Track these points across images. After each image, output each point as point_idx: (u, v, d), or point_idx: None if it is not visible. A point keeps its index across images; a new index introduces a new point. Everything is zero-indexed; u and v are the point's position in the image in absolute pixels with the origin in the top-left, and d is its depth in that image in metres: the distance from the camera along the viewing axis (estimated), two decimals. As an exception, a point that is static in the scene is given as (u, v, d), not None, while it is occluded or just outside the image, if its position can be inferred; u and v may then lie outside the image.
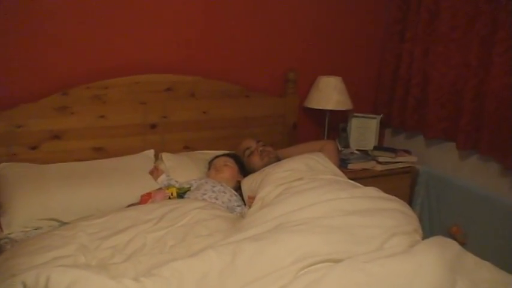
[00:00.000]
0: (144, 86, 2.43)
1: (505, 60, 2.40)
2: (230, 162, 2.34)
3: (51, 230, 1.82)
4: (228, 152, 2.49)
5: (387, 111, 3.10)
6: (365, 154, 2.91)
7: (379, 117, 3.05)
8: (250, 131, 2.72)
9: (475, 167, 2.68)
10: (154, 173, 2.28)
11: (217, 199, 2.09)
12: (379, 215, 1.70)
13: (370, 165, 2.80)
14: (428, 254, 1.46)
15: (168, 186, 2.17)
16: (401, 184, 2.84)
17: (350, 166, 2.74)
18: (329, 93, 2.78)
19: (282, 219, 1.69)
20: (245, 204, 2.13)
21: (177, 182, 2.25)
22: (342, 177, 2.12)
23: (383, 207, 1.76)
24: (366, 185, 2.01)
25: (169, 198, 2.07)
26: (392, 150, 2.88)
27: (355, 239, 1.56)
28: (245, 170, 2.37)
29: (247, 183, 2.18)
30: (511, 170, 2.45)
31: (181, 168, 2.35)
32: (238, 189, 2.27)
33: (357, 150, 2.98)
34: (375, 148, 2.92)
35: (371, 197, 1.85)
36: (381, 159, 2.82)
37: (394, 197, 1.88)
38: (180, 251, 1.62)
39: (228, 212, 1.98)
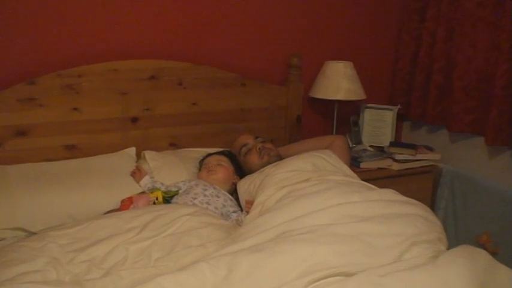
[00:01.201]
0: (124, 73, 2.43)
1: (541, 42, 2.40)
2: (224, 161, 2.34)
3: (16, 242, 1.81)
4: (221, 149, 2.48)
5: (405, 101, 3.11)
6: (380, 151, 2.91)
7: (395, 108, 3.05)
8: (247, 125, 2.72)
9: (506, 166, 2.68)
10: (136, 174, 2.28)
11: (209, 204, 2.09)
12: (397, 221, 1.69)
13: (386, 163, 2.80)
14: (455, 267, 1.45)
15: (153, 190, 2.16)
16: (422, 185, 2.85)
17: (363, 165, 2.74)
18: (338, 81, 2.78)
19: (285, 227, 1.69)
20: (242, 210, 2.13)
21: (162, 184, 2.25)
22: (353, 178, 2.12)
23: (401, 213, 1.76)
24: (381, 186, 2.00)
25: (154, 203, 2.07)
26: (412, 147, 2.88)
27: (370, 250, 1.56)
28: (242, 170, 2.37)
29: (245, 186, 2.18)
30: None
31: (167, 169, 2.35)
32: (233, 192, 2.27)
33: (371, 146, 2.98)
34: (392, 144, 2.93)
35: (387, 200, 1.85)
36: (398, 156, 2.82)
37: (414, 201, 1.88)
38: (167, 265, 1.62)
39: (222, 219, 1.97)
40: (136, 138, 2.49)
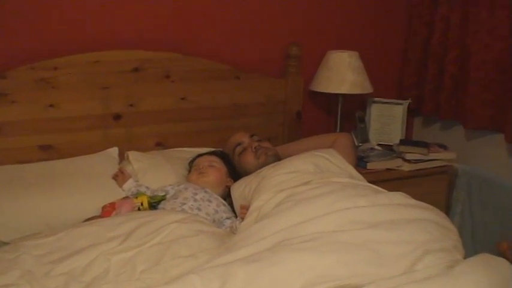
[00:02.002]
0: (105, 65, 2.42)
1: None
2: (216, 162, 2.34)
3: (-14, 253, 1.80)
4: (213, 149, 2.48)
5: (416, 95, 3.11)
6: (389, 150, 2.91)
7: (406, 102, 3.06)
8: (241, 122, 2.72)
9: (529, 165, 2.69)
10: (119, 177, 2.27)
11: (200, 210, 2.09)
12: (408, 227, 1.70)
13: (395, 164, 2.80)
14: (473, 277, 1.45)
15: (137, 195, 2.16)
16: (436, 188, 2.85)
17: (370, 166, 2.74)
18: (342, 73, 2.78)
19: (285, 234, 1.69)
20: (236, 216, 2.13)
21: (148, 188, 2.25)
22: (359, 180, 2.12)
23: (413, 218, 1.76)
24: (390, 189, 2.00)
25: (139, 209, 2.07)
26: (424, 145, 2.88)
27: (379, 259, 1.56)
28: (236, 172, 2.37)
29: (239, 189, 2.18)
30: None
31: (153, 171, 2.35)
32: (227, 196, 2.26)
33: (379, 145, 2.98)
34: (402, 142, 2.93)
35: (397, 204, 1.85)
36: (409, 156, 2.82)
37: (427, 205, 1.88)
38: (154, 277, 1.61)
39: (214, 227, 1.97)
40: (119, 137, 2.49)
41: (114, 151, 2.44)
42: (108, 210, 2.05)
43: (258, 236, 1.72)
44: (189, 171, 2.36)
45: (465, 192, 2.90)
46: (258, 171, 2.22)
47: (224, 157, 2.39)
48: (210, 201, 2.15)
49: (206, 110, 2.65)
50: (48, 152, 2.37)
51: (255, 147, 2.36)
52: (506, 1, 2.64)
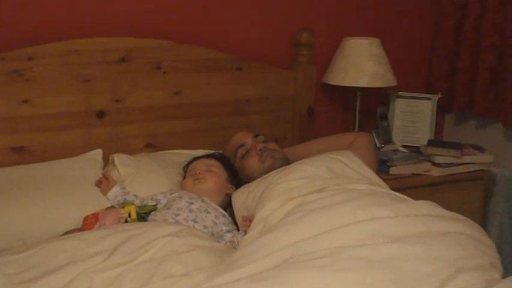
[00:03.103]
0: (87, 55, 2.43)
1: None
2: (215, 166, 2.34)
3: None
4: (212, 152, 2.48)
5: (447, 88, 3.10)
6: (415, 152, 2.91)
7: (435, 97, 3.06)
8: (244, 120, 2.73)
9: None
10: (103, 184, 2.28)
11: (196, 222, 2.09)
12: (438, 242, 1.69)
13: (423, 168, 2.80)
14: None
15: (124, 204, 2.16)
16: (470, 196, 2.85)
17: (393, 170, 2.74)
18: (361, 63, 2.78)
19: (294, 250, 1.69)
20: (238, 229, 2.13)
21: (136, 197, 2.25)
22: (381, 187, 2.12)
23: (443, 231, 1.76)
24: (417, 197, 2.00)
25: (126, 221, 2.07)
26: (456, 146, 2.88)
27: (403, 278, 1.55)
28: (238, 178, 2.37)
29: (241, 198, 2.18)
30: None
31: (142, 177, 2.35)
32: (227, 206, 2.27)
33: (404, 146, 2.98)
34: (430, 143, 2.92)
35: (425, 215, 1.85)
36: (439, 159, 2.82)
37: (459, 216, 1.88)
38: (143, 300, 1.61)
39: (213, 241, 1.97)
40: (103, 137, 2.50)
41: (97, 154, 2.45)
42: (90, 222, 2.05)
43: (263, 251, 1.71)
44: (184, 177, 2.36)
45: (504, 201, 2.89)
46: (264, 176, 2.22)
47: (224, 161, 2.39)
48: (207, 211, 2.15)
49: (203, 106, 2.65)
50: (21, 154, 2.38)
51: (259, 149, 2.36)
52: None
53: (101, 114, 2.49)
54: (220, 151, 2.49)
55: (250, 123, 2.71)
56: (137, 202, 2.21)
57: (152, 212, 2.14)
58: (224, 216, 2.19)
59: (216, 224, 2.13)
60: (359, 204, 1.86)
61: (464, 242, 1.72)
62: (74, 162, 2.38)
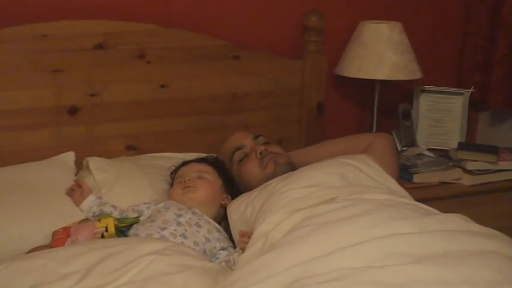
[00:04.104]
0: (57, 41, 2.43)
1: None
2: (208, 172, 2.34)
3: None
4: (204, 155, 2.49)
5: (481, 81, 3.11)
6: (444, 157, 2.92)
7: (467, 92, 3.06)
8: (242, 118, 2.73)
9: None
10: (76, 192, 2.28)
11: (186, 237, 2.09)
12: (469, 262, 1.69)
13: (452, 176, 2.80)
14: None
15: (100, 216, 2.16)
16: (508, 209, 2.84)
17: (417, 178, 2.74)
18: (380, 52, 2.79)
19: (300, 271, 1.68)
20: (235, 246, 2.13)
21: (115, 208, 2.26)
22: (402, 198, 2.12)
23: (475, 250, 1.76)
24: (445, 210, 2.00)
25: (103, 236, 2.07)
26: (492, 150, 2.89)
27: (428, 305, 1.56)
28: (234, 186, 2.38)
29: (239, 210, 2.18)
30: None
31: (122, 184, 2.36)
32: (223, 219, 2.27)
33: (429, 150, 2.98)
34: (461, 146, 2.93)
35: (454, 231, 1.84)
36: (471, 165, 2.83)
37: (494, 232, 1.88)
38: (123, 329, 1.62)
39: (205, 260, 1.97)
40: (76, 138, 2.50)
41: (69, 157, 2.45)
42: (60, 238, 2.04)
43: (263, 273, 1.71)
44: (171, 184, 2.36)
45: (548, 215, 2.89)
46: (265, 184, 2.22)
47: (218, 166, 2.39)
48: (199, 225, 2.15)
49: (194, 102, 2.66)
50: (-20, 157, 2.38)
51: (260, 153, 2.36)
52: None
53: (73, 111, 2.49)
54: (214, 155, 2.49)
55: (249, 122, 2.72)
56: (116, 214, 2.21)
57: (134, 226, 2.14)
58: (218, 231, 2.19)
59: (208, 240, 2.12)
60: (376, 217, 1.86)
61: (500, 263, 1.71)
62: (41, 166, 2.38)
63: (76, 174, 2.41)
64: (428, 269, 1.65)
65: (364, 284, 1.60)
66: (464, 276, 1.64)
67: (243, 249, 1.98)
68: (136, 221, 2.17)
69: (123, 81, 2.55)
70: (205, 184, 2.30)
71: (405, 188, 2.25)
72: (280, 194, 2.09)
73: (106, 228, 2.07)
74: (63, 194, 2.28)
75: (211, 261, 2.02)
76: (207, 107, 2.68)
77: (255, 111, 2.76)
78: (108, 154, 2.50)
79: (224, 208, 2.27)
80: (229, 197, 2.32)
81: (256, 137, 2.45)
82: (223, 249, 2.13)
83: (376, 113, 2.94)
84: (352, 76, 2.83)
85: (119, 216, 2.19)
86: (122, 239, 2.03)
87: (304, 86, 2.83)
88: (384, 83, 2.88)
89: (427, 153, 2.94)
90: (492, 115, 3.24)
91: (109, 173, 2.38)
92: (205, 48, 2.65)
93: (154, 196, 2.34)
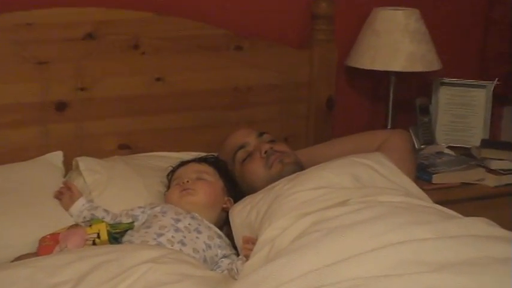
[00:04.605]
0: (43, 30, 2.44)
1: None
2: (208, 173, 2.35)
3: None
4: (204, 155, 2.49)
5: (507, 73, 3.10)
6: (465, 156, 2.92)
7: (491, 84, 3.06)
8: (245, 114, 2.74)
9: None
10: (65, 195, 2.28)
11: (184, 244, 2.09)
12: (493, 271, 1.68)
13: (475, 176, 2.80)
14: None
15: (92, 222, 2.17)
16: (535, 212, 2.85)
17: (437, 178, 2.74)
18: (395, 41, 2.79)
19: (310, 281, 1.68)
20: (238, 253, 2.14)
21: (107, 212, 2.26)
22: (421, 200, 2.12)
23: (500, 256, 1.75)
24: (467, 213, 2.00)
25: (94, 243, 2.07)
26: (518, 148, 2.89)
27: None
28: (237, 188, 2.38)
29: (242, 214, 2.18)
30: None
31: (115, 187, 2.36)
32: (224, 224, 2.28)
33: (450, 148, 2.98)
34: (485, 144, 2.93)
35: (477, 236, 1.84)
36: (495, 164, 2.83)
37: (522, 237, 1.88)
38: None
39: (205, 269, 1.98)
40: (65, 136, 2.51)
41: (57, 157, 2.45)
42: (48, 245, 2.05)
43: (270, 283, 1.71)
44: (168, 187, 2.37)
45: None
46: (270, 186, 2.23)
47: (220, 166, 2.40)
48: (199, 231, 2.15)
49: (193, 97, 2.66)
50: (-40, 158, 2.38)
51: (265, 152, 2.36)
52: None
53: (61, 107, 2.49)
54: (215, 154, 2.50)
55: (253, 118, 2.72)
56: (108, 219, 2.21)
57: (128, 232, 2.15)
58: (220, 237, 2.19)
59: (209, 247, 2.13)
60: (392, 221, 1.86)
61: (528, 271, 1.72)
62: (26, 167, 2.38)
63: (65, 176, 2.42)
64: (449, 278, 1.65)
65: (382, 295, 1.61)
66: (487, 286, 1.63)
67: (246, 257, 1.98)
68: (130, 226, 2.17)
69: (115, 74, 2.55)
70: (206, 186, 2.30)
71: (423, 190, 2.25)
72: (287, 196, 2.09)
73: (98, 234, 2.08)
74: (50, 198, 2.28)
75: (212, 270, 2.02)
76: (206, 102, 2.69)
77: (259, 107, 2.77)
78: (99, 153, 2.50)
79: (226, 212, 2.28)
80: (232, 200, 2.32)
81: (261, 134, 2.45)
82: (225, 256, 2.13)
83: (391, 108, 2.94)
84: (364, 68, 2.83)
85: (111, 222, 2.20)
86: (115, 246, 2.03)
87: (312, 79, 2.84)
88: (400, 75, 2.88)
89: (447, 151, 2.94)
90: (518, 110, 3.24)
91: (100, 174, 2.38)
92: (204, 38, 2.65)
93: (150, 199, 2.34)
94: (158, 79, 2.62)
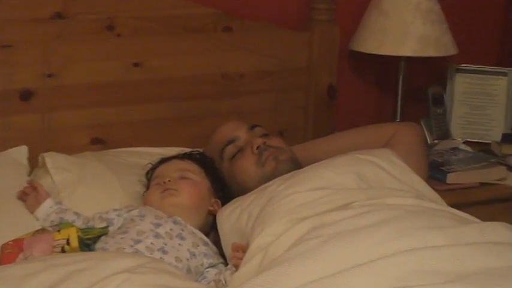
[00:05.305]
0: (5, 9, 2.43)
1: None
2: (193, 171, 2.35)
3: None
4: (188, 150, 2.50)
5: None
6: (484, 152, 2.92)
7: (512, 72, 3.08)
8: (235, 104, 2.75)
9: None
10: (30, 196, 2.28)
11: (165, 252, 2.09)
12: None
13: (495, 175, 2.81)
14: None
15: (60, 226, 2.16)
16: None
17: (452, 178, 2.75)
18: (405, 22, 2.80)
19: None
20: (226, 263, 2.14)
21: (78, 215, 2.26)
22: (434, 202, 2.13)
23: (524, 266, 1.77)
24: (486, 218, 2.01)
25: (63, 250, 2.07)
26: (543, 145, 2.90)
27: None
28: (225, 188, 2.39)
29: (231, 217, 2.18)
30: None
31: (86, 187, 2.36)
32: (211, 230, 2.29)
33: (466, 143, 2.99)
34: (506, 139, 2.94)
35: (497, 243, 1.85)
36: (517, 162, 2.84)
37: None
38: None
39: (189, 280, 1.97)
40: (30, 128, 2.51)
41: (20, 152, 2.46)
42: (10, 253, 2.04)
43: (263, 296, 1.73)
44: (147, 186, 2.37)
45: None
46: (263, 186, 2.23)
47: (206, 163, 2.40)
48: (182, 237, 2.15)
49: (175, 84, 2.67)
50: None
51: (257, 147, 2.37)
52: None
53: (26, 95, 2.50)
54: (201, 150, 2.50)
55: (243, 108, 2.73)
56: (79, 223, 2.21)
57: (101, 238, 2.15)
58: (206, 244, 2.19)
59: (194, 255, 2.13)
60: (401, 226, 1.86)
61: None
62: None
63: (29, 174, 2.42)
64: (467, 290, 1.67)
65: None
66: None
67: (236, 267, 1.98)
68: (104, 232, 2.17)
69: (87, 59, 2.55)
70: (190, 186, 2.30)
71: (436, 191, 2.26)
72: (282, 198, 2.09)
73: (67, 240, 2.07)
74: (13, 199, 2.28)
75: (197, 281, 2.02)
76: (191, 90, 2.69)
77: (250, 96, 2.77)
78: (69, 149, 2.50)
79: (213, 216, 2.28)
80: (219, 202, 2.32)
81: (253, 127, 2.46)
82: (211, 266, 2.13)
83: (400, 97, 2.95)
84: (370, 52, 2.84)
85: (83, 226, 2.19)
86: (87, 254, 2.02)
87: (311, 65, 2.85)
88: (410, 60, 2.89)
89: (463, 147, 2.94)
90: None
91: (70, 172, 2.38)
92: (189, 18, 2.66)
93: (127, 201, 2.34)
94: (136, 64, 2.62)
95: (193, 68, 2.69)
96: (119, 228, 2.18)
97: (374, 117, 2.97)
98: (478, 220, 1.99)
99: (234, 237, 2.14)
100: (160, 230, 2.14)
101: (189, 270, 2.09)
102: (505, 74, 3.06)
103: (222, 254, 2.18)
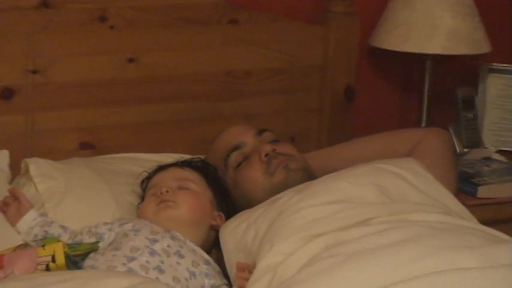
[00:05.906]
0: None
1: None
2: (193, 181, 2.35)
3: None
4: (188, 157, 2.50)
5: None
6: (520, 163, 2.93)
7: (553, 72, 3.07)
8: (240, 106, 2.76)
9: None
10: (11, 207, 2.29)
11: (162, 271, 2.09)
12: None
13: (531, 189, 2.81)
14: None
15: (45, 241, 2.16)
16: None
17: (483, 192, 2.75)
18: (433, 16, 2.80)
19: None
20: (230, 284, 2.14)
21: (64, 229, 2.26)
22: (463, 219, 2.13)
23: None
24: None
25: (48, 268, 2.07)
26: None
27: None
28: (229, 200, 2.39)
29: (236, 233, 2.18)
30: None
31: (74, 197, 2.37)
32: (213, 246, 2.29)
33: (500, 152, 2.99)
34: (544, 149, 2.95)
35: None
36: (557, 175, 2.84)
37: None
38: None
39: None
40: (12, 131, 2.52)
41: (1, 157, 2.47)
42: (-11, 270, 2.06)
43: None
44: (143, 198, 2.38)
45: None
46: (272, 199, 2.23)
47: (208, 172, 2.41)
48: (180, 255, 2.15)
49: (174, 83, 2.68)
50: None
51: (266, 155, 2.37)
52: None
53: (7, 94, 2.50)
54: (202, 156, 2.51)
55: (250, 111, 2.74)
56: (66, 238, 2.22)
57: (90, 255, 2.15)
58: (207, 262, 2.20)
59: (193, 275, 2.13)
60: (427, 245, 1.86)
61: None
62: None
63: (11, 182, 2.43)
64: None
65: None
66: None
67: (241, 289, 2.00)
68: (93, 247, 2.17)
69: (76, 54, 2.56)
70: (190, 197, 2.31)
71: (466, 205, 2.26)
72: (293, 212, 2.09)
73: (52, 257, 2.07)
74: (-7, 210, 2.29)
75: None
76: (191, 89, 2.70)
77: (258, 97, 2.78)
78: (55, 154, 2.51)
79: (216, 231, 2.28)
80: (223, 216, 2.33)
81: (261, 132, 2.46)
82: (213, 287, 2.14)
83: (426, 100, 2.95)
84: (393, 49, 2.84)
85: (70, 241, 2.20)
86: (75, 273, 2.02)
87: (327, 62, 2.85)
88: (438, 58, 2.89)
89: (496, 156, 2.95)
90: None
91: (56, 180, 2.39)
92: (190, 9, 2.67)
93: (119, 214, 2.35)
94: (131, 60, 2.63)
95: (195, 65, 2.70)
96: (110, 244, 2.18)
97: (397, 121, 2.97)
98: (513, 239, 2.00)
99: (239, 255, 2.14)
100: (157, 247, 2.14)
101: (187, 292, 2.09)
102: (543, 75, 3.07)
103: (225, 274, 2.19)
